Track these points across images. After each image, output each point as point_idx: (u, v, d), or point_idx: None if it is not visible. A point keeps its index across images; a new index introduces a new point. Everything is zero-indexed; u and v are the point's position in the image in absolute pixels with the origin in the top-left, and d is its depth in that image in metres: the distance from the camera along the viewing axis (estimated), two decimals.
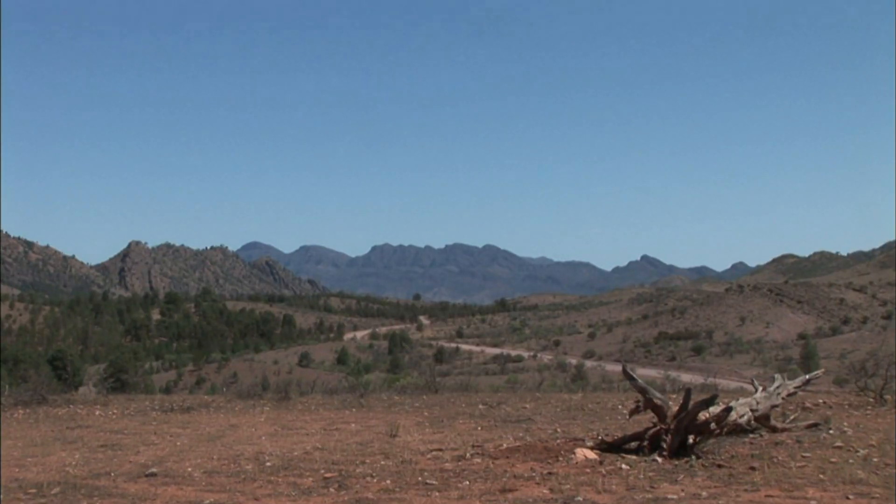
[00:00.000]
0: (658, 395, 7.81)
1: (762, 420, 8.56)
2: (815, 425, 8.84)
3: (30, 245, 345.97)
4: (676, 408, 7.53)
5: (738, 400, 8.74)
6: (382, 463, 7.36)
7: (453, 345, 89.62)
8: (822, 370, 11.94)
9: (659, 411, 7.57)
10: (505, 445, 8.03)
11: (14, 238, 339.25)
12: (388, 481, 6.47)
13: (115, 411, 13.07)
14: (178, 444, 9.18)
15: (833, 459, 7.03)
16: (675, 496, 5.59)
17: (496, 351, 79.95)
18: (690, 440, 7.28)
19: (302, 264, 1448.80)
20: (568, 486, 5.96)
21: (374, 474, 6.81)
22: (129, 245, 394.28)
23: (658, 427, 7.44)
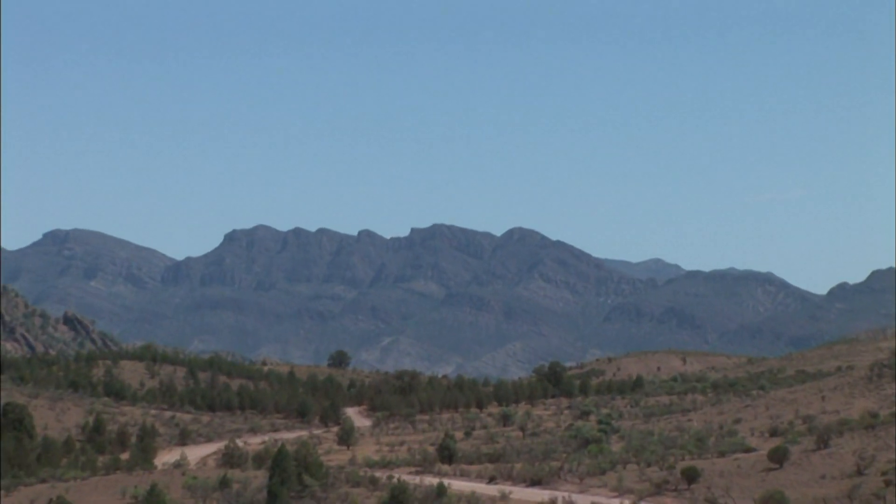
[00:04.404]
0: None
1: None
2: None
3: None
4: None
5: None
6: None
7: (432, 479, 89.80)
8: None
9: None
10: None
11: None
12: None
13: None
14: None
15: None
16: None
17: (540, 495, 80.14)
18: None
19: (52, 279, 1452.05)
20: None
21: None
22: None
23: None
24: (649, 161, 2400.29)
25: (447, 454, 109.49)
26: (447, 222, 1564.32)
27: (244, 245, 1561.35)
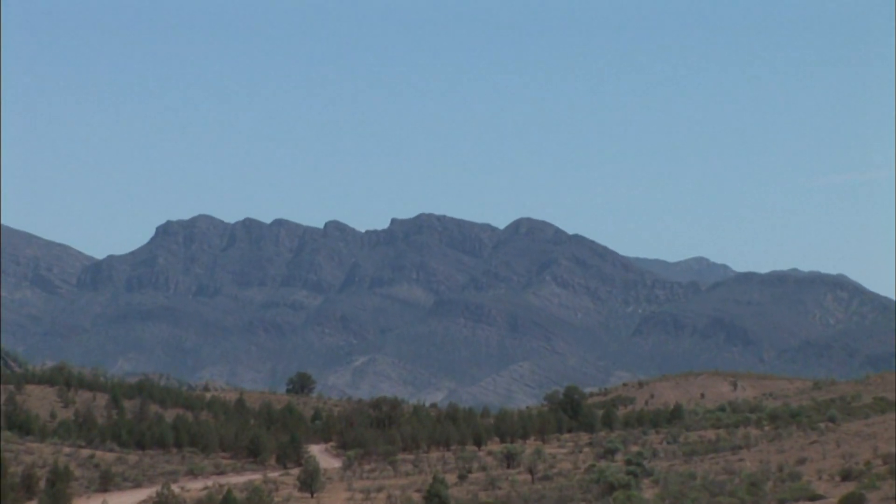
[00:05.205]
0: None
1: None
2: None
3: None
4: None
5: None
6: None
7: None
8: None
9: None
10: None
11: None
12: None
13: None
14: None
15: None
16: None
17: None
18: None
19: None
20: None
21: None
22: None
23: None
24: (689, 135, 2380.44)
25: (437, 503, 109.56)
26: (436, 212, 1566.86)
27: (181, 240, 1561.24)
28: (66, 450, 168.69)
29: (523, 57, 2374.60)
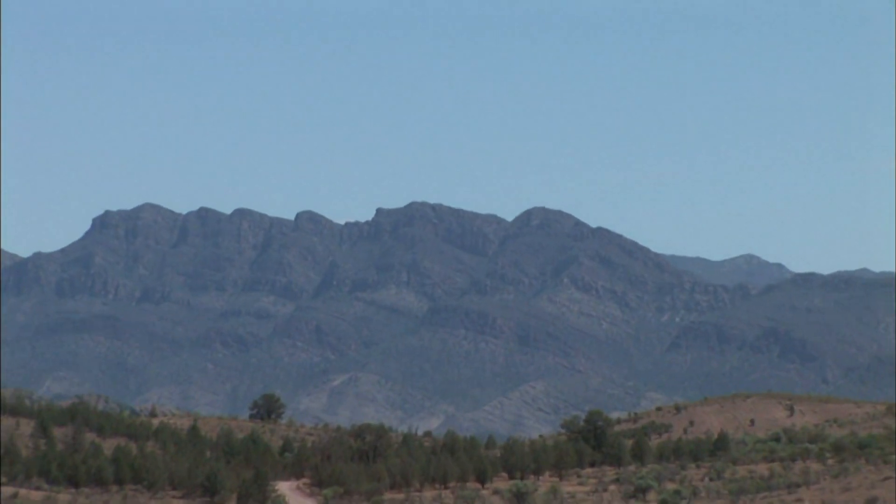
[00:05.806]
0: None
1: None
2: None
3: None
4: None
5: None
6: None
7: None
8: None
9: None
10: None
11: None
12: None
13: None
14: None
15: None
16: None
17: None
18: None
19: None
20: None
21: None
22: None
23: None
24: (737, 110, 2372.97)
25: None
26: (431, 200, 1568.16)
27: (122, 234, 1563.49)
28: None
29: (538, 22, 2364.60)
